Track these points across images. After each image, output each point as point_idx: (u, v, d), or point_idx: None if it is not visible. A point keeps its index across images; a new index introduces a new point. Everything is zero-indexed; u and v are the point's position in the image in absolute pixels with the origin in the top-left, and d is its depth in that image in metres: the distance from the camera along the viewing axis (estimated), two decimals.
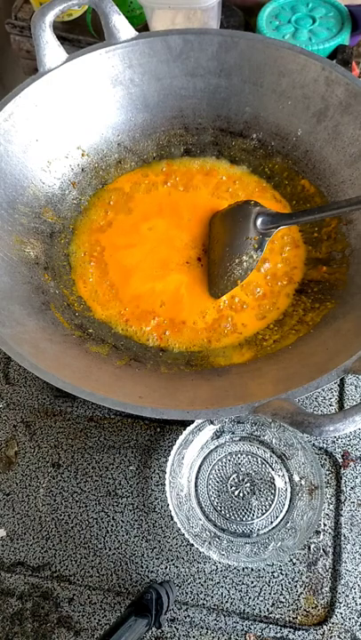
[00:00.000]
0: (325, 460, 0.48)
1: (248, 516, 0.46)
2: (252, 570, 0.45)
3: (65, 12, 0.47)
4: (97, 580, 0.45)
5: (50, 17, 0.45)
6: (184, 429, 0.46)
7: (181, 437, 0.46)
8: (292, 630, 0.43)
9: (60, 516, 0.47)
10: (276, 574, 0.45)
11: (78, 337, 0.42)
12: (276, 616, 0.43)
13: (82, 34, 0.68)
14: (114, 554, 0.46)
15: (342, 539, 0.45)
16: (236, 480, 0.48)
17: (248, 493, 0.47)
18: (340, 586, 0.44)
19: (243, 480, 0.47)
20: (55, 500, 0.48)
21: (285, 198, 0.51)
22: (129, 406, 0.33)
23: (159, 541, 0.46)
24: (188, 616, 0.44)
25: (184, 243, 0.49)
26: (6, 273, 0.42)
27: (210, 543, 0.44)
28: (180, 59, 0.49)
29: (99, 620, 0.44)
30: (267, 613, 0.44)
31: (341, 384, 0.52)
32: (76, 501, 0.48)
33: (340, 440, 0.49)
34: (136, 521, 0.47)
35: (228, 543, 0.45)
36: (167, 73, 0.50)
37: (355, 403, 0.51)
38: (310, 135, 0.49)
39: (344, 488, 0.47)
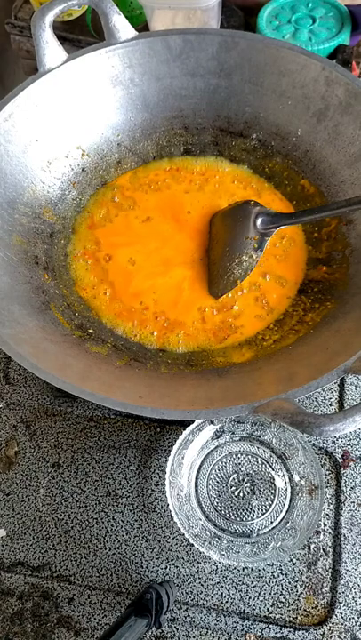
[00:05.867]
0: (325, 460, 0.48)
1: (248, 516, 0.46)
2: (252, 570, 0.45)
3: (65, 12, 0.47)
4: (97, 579, 0.45)
5: (50, 17, 0.45)
6: (184, 429, 0.46)
7: (181, 437, 0.46)
8: (292, 630, 0.43)
9: (60, 515, 0.47)
10: (276, 574, 0.45)
11: (78, 337, 0.42)
12: (276, 616, 0.43)
13: (82, 34, 0.68)
14: (114, 554, 0.46)
15: (342, 539, 0.45)
16: (236, 480, 0.48)
17: (248, 493, 0.47)
18: (340, 586, 0.44)
19: (243, 480, 0.47)
20: (55, 500, 0.48)
21: (286, 198, 0.51)
22: (129, 406, 0.33)
23: (159, 541, 0.46)
24: (188, 616, 0.44)
25: (184, 243, 0.49)
26: (6, 273, 0.42)
27: (210, 543, 0.44)
28: (180, 59, 0.49)
29: (99, 620, 0.44)
30: (267, 613, 0.44)
31: (341, 384, 0.52)
32: (76, 501, 0.48)
33: (340, 440, 0.49)
34: (136, 521, 0.47)
35: (228, 543, 0.45)
36: (167, 73, 0.50)
37: (355, 403, 0.51)
38: (310, 135, 0.49)
39: (344, 488, 0.47)
